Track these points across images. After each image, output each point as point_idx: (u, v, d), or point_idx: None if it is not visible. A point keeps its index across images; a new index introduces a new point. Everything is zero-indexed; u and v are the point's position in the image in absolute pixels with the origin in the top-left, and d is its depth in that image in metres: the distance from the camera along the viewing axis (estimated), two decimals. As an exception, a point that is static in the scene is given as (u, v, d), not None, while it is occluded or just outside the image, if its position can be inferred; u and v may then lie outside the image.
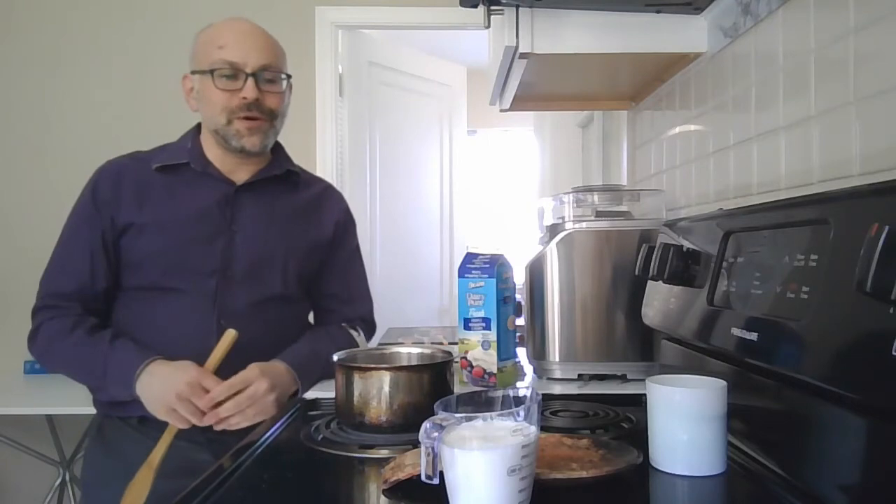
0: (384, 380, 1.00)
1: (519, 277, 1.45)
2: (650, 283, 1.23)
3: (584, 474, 0.74)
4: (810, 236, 0.74)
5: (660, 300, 1.17)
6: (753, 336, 0.79)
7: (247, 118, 1.31)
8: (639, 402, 0.83)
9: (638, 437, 0.88)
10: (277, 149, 1.48)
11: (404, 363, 1.13)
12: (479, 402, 0.72)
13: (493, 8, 1.36)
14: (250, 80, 1.31)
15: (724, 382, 0.80)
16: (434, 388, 1.02)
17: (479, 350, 1.33)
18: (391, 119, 3.47)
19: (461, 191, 3.88)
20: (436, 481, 0.65)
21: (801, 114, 1.02)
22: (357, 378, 1.01)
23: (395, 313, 3.08)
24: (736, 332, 0.83)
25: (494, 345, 1.32)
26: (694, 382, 0.83)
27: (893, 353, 0.55)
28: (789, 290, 0.75)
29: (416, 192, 3.63)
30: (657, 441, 0.81)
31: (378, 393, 0.99)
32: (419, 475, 0.66)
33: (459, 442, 0.65)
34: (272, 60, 1.36)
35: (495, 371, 1.32)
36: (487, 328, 1.32)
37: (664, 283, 1.08)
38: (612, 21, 1.36)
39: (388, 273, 3.35)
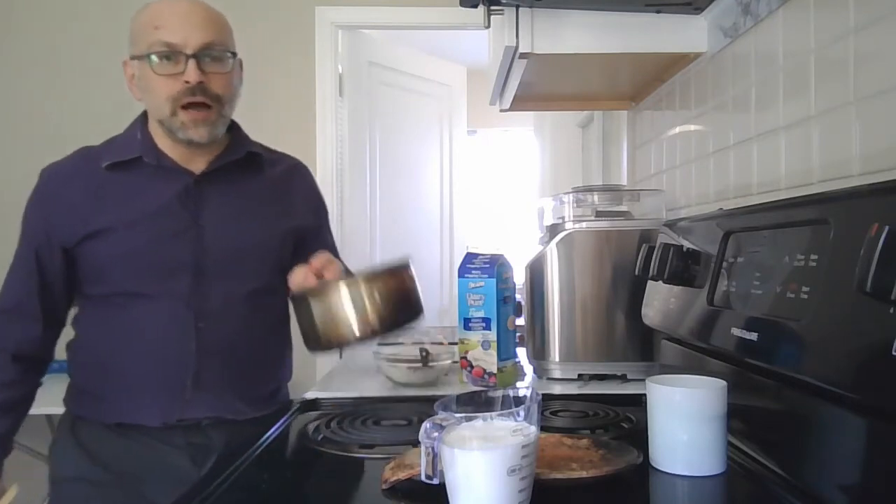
0: (349, 291, 0.97)
1: (519, 277, 1.45)
2: (650, 283, 1.23)
3: (584, 474, 0.74)
4: (810, 236, 0.74)
5: (660, 300, 1.17)
6: (753, 336, 0.79)
7: (191, 106, 1.18)
8: (639, 402, 0.83)
9: (638, 437, 0.87)
10: (234, 130, 1.34)
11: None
12: (479, 402, 0.72)
13: (493, 8, 1.36)
14: (191, 62, 1.16)
15: (724, 382, 0.80)
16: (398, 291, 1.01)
17: (479, 350, 1.33)
18: (391, 119, 3.46)
19: (461, 191, 3.88)
20: (436, 481, 0.65)
21: (801, 114, 1.02)
22: (324, 296, 0.98)
23: (395, 313, 3.08)
24: (736, 332, 0.83)
25: (494, 345, 1.32)
26: (694, 382, 0.83)
27: (893, 353, 0.55)
28: (789, 290, 0.75)
29: (416, 192, 3.63)
30: (657, 441, 0.81)
31: (343, 306, 0.97)
32: (419, 475, 0.66)
33: (459, 442, 0.65)
34: (215, 38, 1.20)
35: (495, 371, 1.32)
36: (487, 328, 1.32)
37: (664, 283, 1.08)
38: (612, 21, 1.36)
39: (387, 273, 3.35)
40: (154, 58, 1.16)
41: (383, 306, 0.97)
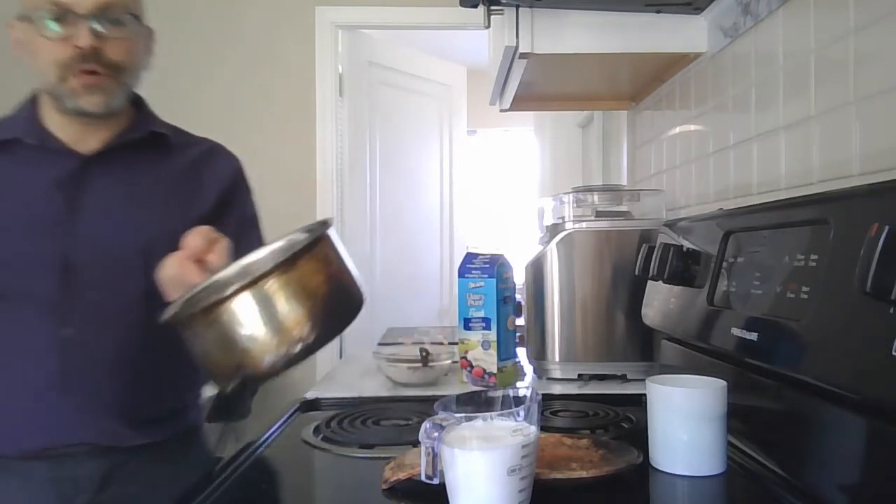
0: (243, 304, 0.66)
1: (519, 277, 1.45)
2: (650, 283, 1.23)
3: (584, 474, 0.74)
4: (810, 236, 0.74)
5: (660, 300, 1.17)
6: (753, 336, 0.79)
7: (84, 73, 1.02)
8: (639, 402, 0.83)
9: (638, 437, 0.87)
10: (139, 106, 1.16)
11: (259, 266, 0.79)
12: (479, 402, 0.72)
13: (493, 8, 1.36)
14: (84, 25, 1.01)
15: (724, 382, 0.80)
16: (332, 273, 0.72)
17: (479, 350, 1.33)
18: (391, 119, 3.47)
19: (461, 191, 3.88)
20: (436, 481, 0.65)
21: (801, 114, 1.02)
22: (209, 320, 0.68)
23: (395, 313, 3.08)
24: (736, 332, 0.83)
25: (494, 345, 1.32)
26: (694, 382, 0.83)
27: (893, 353, 0.55)
28: (789, 290, 0.75)
29: (416, 192, 3.63)
30: (657, 441, 0.81)
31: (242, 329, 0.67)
32: (419, 475, 0.66)
33: (459, 442, 0.65)
34: None
35: (495, 371, 1.32)
36: (487, 328, 1.32)
37: (664, 283, 1.08)
38: (612, 21, 1.36)
39: (388, 273, 3.36)
40: (41, 18, 1.01)
41: (308, 307, 0.68)
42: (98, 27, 1.02)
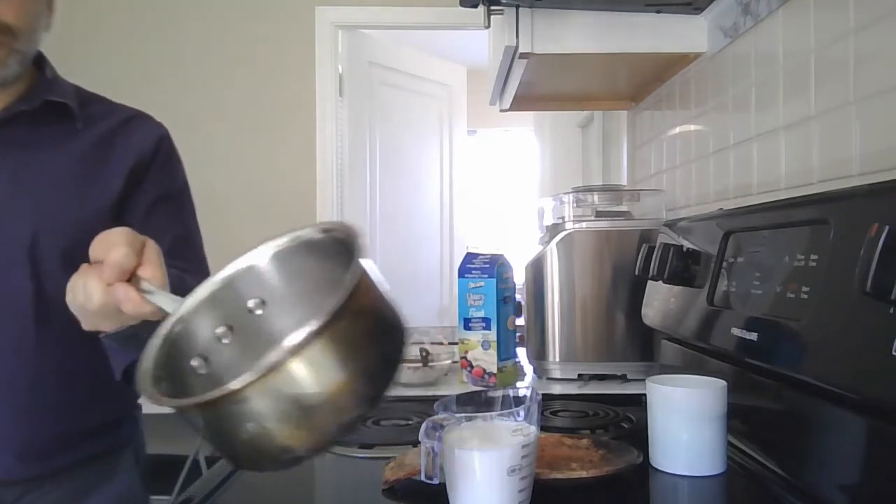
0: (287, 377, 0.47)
1: (519, 277, 1.45)
2: (650, 283, 1.23)
3: (584, 474, 0.74)
4: (810, 236, 0.74)
5: (660, 300, 1.17)
6: (753, 336, 0.79)
7: None
8: (639, 402, 0.83)
9: (638, 437, 0.87)
10: (41, 70, 0.98)
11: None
12: (479, 402, 0.72)
13: (493, 8, 1.36)
14: None
15: (724, 382, 0.80)
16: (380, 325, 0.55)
17: (479, 350, 1.33)
18: (391, 119, 3.47)
19: (461, 191, 3.88)
20: (436, 481, 0.65)
21: (801, 114, 1.02)
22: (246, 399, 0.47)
23: (395, 313, 3.08)
24: (736, 332, 0.83)
25: (494, 345, 1.32)
26: (694, 382, 0.83)
27: (893, 353, 0.55)
28: (789, 290, 0.75)
29: (416, 192, 3.63)
30: (657, 441, 0.81)
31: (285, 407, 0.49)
32: (419, 475, 0.66)
33: (459, 442, 0.65)
34: None
35: (495, 371, 1.32)
36: (487, 328, 1.32)
37: (664, 283, 1.08)
38: (612, 21, 1.36)
39: (388, 273, 3.30)
40: None
41: (362, 364, 0.51)
42: None
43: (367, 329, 0.54)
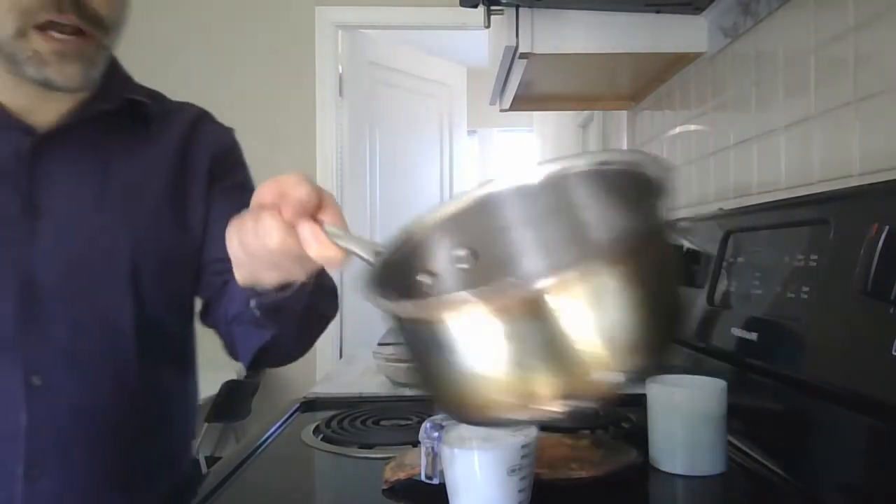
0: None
1: (519, 277, 1.44)
2: (650, 283, 1.23)
3: (584, 474, 0.74)
4: (810, 236, 0.74)
5: (660, 300, 1.17)
6: (753, 336, 0.79)
7: (53, 28, 0.73)
8: (639, 402, 0.83)
9: (638, 437, 0.87)
10: (111, 67, 0.85)
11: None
12: (479, 402, 0.72)
13: (493, 8, 1.36)
14: None
15: (724, 382, 0.80)
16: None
17: (479, 350, 1.33)
18: (391, 119, 3.47)
19: (461, 191, 3.88)
20: (436, 481, 0.65)
21: (801, 114, 1.02)
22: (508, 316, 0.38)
23: (395, 313, 3.08)
24: (736, 332, 0.83)
25: (494, 345, 1.32)
26: (694, 382, 0.83)
27: (893, 352, 0.55)
28: (789, 290, 0.75)
29: (416, 192, 3.63)
30: (657, 441, 0.81)
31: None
32: (419, 475, 0.66)
33: (459, 442, 0.65)
34: None
35: (495, 371, 1.32)
36: (487, 328, 1.32)
37: (664, 283, 1.08)
38: (612, 21, 1.36)
39: (388, 273, 3.35)
40: None
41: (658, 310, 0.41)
42: None
43: (666, 271, 0.44)
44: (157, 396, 0.86)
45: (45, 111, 0.80)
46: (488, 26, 1.49)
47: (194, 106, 0.94)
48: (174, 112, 0.91)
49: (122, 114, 0.84)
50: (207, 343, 0.95)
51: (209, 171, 0.89)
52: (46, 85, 0.76)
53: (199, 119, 0.93)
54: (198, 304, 0.91)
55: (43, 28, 0.73)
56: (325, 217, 0.53)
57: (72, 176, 0.81)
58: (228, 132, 0.97)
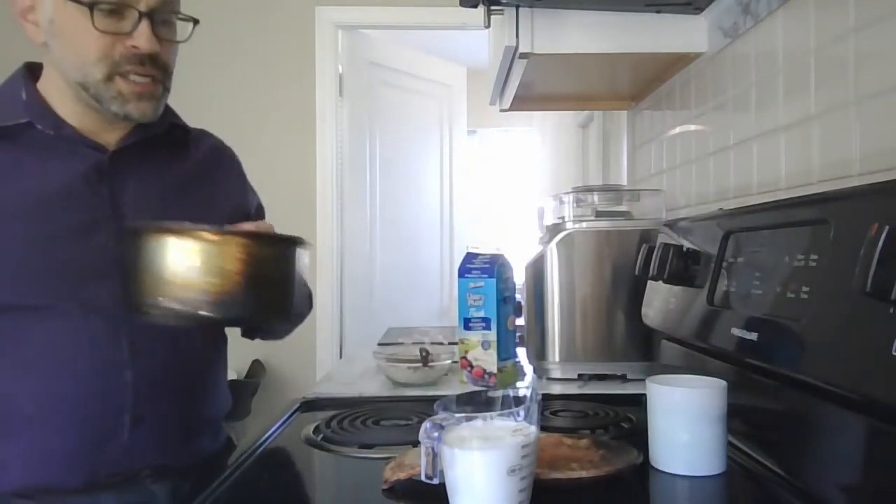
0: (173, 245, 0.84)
1: (519, 277, 1.45)
2: (650, 283, 1.23)
3: (584, 474, 0.74)
4: (810, 236, 0.74)
5: (660, 300, 1.17)
6: (753, 336, 0.79)
7: (135, 75, 0.94)
8: (639, 402, 0.83)
9: (638, 437, 0.88)
10: None
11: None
12: (479, 402, 0.72)
13: (493, 8, 1.36)
14: (145, 23, 0.91)
15: (724, 382, 0.80)
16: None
17: (479, 350, 1.33)
18: (391, 119, 3.47)
19: (461, 191, 3.88)
20: (436, 481, 0.65)
21: (801, 114, 1.02)
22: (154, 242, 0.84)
23: (395, 313, 3.08)
24: (736, 332, 0.84)
25: (494, 345, 1.32)
26: (694, 382, 0.83)
27: (893, 353, 0.55)
28: (789, 290, 0.75)
29: (416, 192, 3.63)
30: (657, 441, 0.81)
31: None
32: (419, 475, 0.66)
33: (459, 442, 0.65)
34: None
35: (495, 371, 1.32)
36: (487, 328, 1.32)
37: (664, 283, 1.08)
38: (612, 21, 1.36)
39: (388, 273, 3.36)
40: (98, 9, 0.89)
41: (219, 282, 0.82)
42: (157, 28, 0.93)
43: (238, 267, 0.83)
44: (211, 361, 1.10)
45: (108, 134, 1.00)
46: (488, 26, 1.49)
47: (208, 133, 1.19)
48: (200, 137, 1.15)
49: (167, 136, 1.06)
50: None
51: (237, 189, 1.19)
52: (125, 118, 0.97)
53: (220, 148, 1.19)
54: None
55: (124, 74, 0.93)
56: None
57: (140, 184, 1.01)
58: (240, 164, 1.23)
